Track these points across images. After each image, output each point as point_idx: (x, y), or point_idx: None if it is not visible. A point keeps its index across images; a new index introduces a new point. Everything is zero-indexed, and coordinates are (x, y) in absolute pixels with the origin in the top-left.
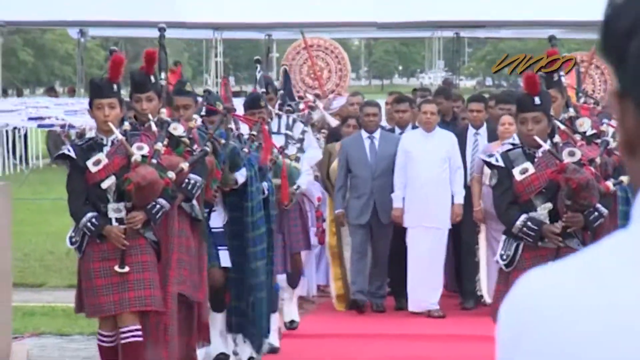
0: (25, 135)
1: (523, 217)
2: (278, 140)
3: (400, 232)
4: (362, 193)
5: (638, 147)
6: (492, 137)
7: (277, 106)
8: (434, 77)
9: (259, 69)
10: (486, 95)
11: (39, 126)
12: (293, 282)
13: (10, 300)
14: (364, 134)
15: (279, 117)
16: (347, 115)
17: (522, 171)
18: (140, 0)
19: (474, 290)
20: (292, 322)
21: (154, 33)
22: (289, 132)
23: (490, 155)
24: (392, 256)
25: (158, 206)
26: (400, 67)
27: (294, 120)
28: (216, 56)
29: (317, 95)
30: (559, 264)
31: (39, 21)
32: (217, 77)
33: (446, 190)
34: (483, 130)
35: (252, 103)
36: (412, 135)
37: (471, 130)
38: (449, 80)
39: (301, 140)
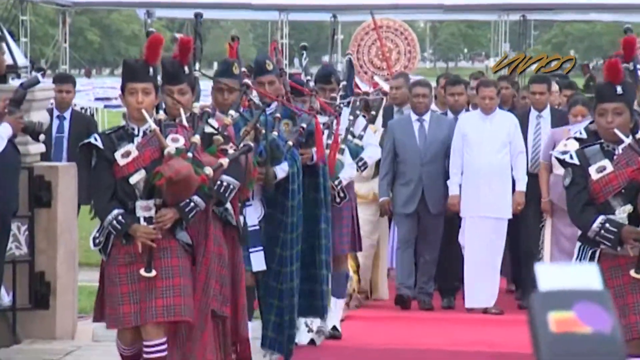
0: (92, 116)
1: (601, 218)
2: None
3: (450, 223)
4: (409, 180)
5: None
6: (556, 120)
7: (339, 98)
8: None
9: (304, 55)
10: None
11: (106, 106)
12: (337, 290)
13: (76, 280)
14: (413, 117)
15: (341, 110)
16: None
17: (599, 169)
18: None
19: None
20: (334, 328)
21: (221, 14)
22: (351, 129)
23: (564, 152)
24: (441, 249)
25: (192, 204)
26: (466, 50)
27: (356, 116)
28: (282, 38)
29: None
30: None
31: (106, 1)
32: (283, 58)
33: (507, 177)
34: (546, 113)
35: (324, 78)
36: (469, 117)
37: (533, 113)
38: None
39: (361, 137)
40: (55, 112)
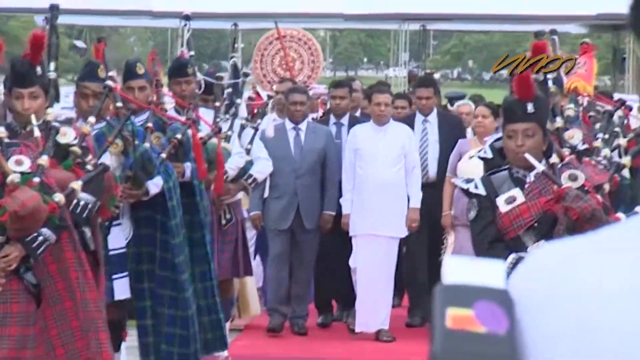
0: None
1: (512, 257)
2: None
3: (324, 237)
4: (283, 193)
5: None
6: (446, 125)
7: (223, 107)
8: (399, 70)
9: None
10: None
11: None
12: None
13: None
14: (289, 125)
15: (226, 121)
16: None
17: (508, 200)
18: None
19: (421, 305)
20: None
21: (120, 21)
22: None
23: (468, 181)
24: (317, 266)
25: (41, 238)
26: (366, 59)
27: (243, 127)
28: (182, 46)
29: (269, 97)
30: (584, 239)
31: (4, 7)
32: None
33: (402, 193)
34: (433, 117)
35: (179, 70)
36: (362, 130)
37: (419, 118)
38: (414, 72)
39: (248, 150)
40: None
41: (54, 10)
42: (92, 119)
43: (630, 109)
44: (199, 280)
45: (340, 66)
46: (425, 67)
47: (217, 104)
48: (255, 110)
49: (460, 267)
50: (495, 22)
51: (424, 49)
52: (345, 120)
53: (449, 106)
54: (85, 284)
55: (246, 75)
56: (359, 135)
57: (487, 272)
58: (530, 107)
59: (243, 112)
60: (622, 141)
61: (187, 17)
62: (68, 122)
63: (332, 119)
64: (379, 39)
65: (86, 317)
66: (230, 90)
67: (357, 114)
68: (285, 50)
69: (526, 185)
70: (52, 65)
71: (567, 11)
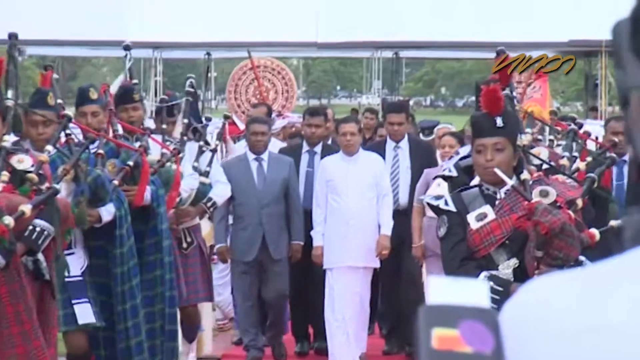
0: None
1: (483, 275)
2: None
3: (297, 266)
4: (248, 224)
5: None
6: (416, 150)
7: (182, 129)
8: (372, 97)
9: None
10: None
11: None
12: (189, 336)
13: None
14: (250, 156)
15: (184, 143)
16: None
17: (478, 217)
18: (79, 19)
19: (397, 332)
20: None
21: (93, 52)
22: (195, 164)
23: (438, 198)
24: (291, 294)
25: None
26: (339, 87)
27: (201, 150)
28: (155, 75)
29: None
30: (573, 274)
31: None
32: (155, 96)
33: (375, 223)
34: (404, 144)
35: (125, 97)
36: (332, 161)
37: (390, 144)
38: (386, 100)
39: (207, 173)
40: None
41: (12, 39)
42: (49, 147)
43: (589, 134)
44: (144, 306)
45: (314, 94)
46: (398, 94)
47: (164, 126)
48: (228, 138)
49: (444, 287)
50: (468, 50)
51: (397, 76)
52: (318, 148)
53: (421, 135)
54: (27, 313)
55: (189, 93)
56: (329, 166)
57: (471, 291)
58: (499, 122)
59: (177, 133)
60: (581, 165)
61: (127, 47)
62: (25, 150)
63: (305, 146)
64: (352, 66)
65: (28, 347)
66: (184, 110)
67: (329, 142)
68: (259, 80)
69: (497, 202)
70: (9, 93)
71: (539, 38)
